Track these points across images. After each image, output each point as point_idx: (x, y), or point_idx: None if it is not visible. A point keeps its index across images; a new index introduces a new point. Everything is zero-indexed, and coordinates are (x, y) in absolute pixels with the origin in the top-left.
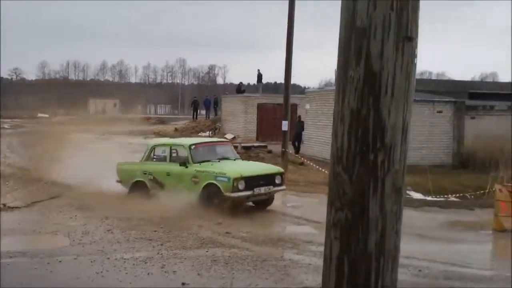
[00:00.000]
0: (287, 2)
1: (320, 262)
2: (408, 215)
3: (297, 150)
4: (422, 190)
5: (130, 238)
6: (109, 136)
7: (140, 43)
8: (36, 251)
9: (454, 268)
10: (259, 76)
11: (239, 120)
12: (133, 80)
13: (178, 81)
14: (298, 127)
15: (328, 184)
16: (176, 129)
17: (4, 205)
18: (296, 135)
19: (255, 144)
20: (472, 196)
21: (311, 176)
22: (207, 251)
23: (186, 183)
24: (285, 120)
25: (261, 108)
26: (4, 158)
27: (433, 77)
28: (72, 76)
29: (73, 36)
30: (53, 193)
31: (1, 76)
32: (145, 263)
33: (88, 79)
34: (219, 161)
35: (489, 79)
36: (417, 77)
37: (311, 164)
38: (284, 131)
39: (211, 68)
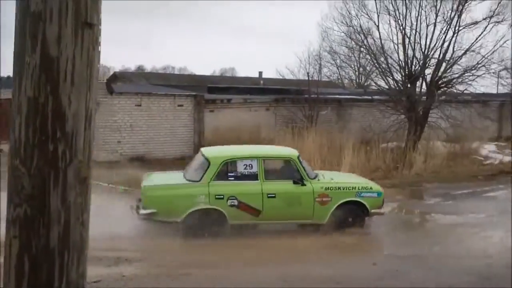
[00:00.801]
0: None
1: None
2: None
3: None
4: None
5: None
6: None
7: None
8: None
9: None
10: None
11: None
12: None
13: None
14: None
15: (7, 180)
16: None
17: None
18: None
19: None
20: None
21: None
22: None
23: (305, 205)
24: None
25: None
26: None
27: (176, 72)
28: None
29: None
30: None
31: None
32: None
33: None
34: (323, 175)
35: (228, 74)
36: (160, 71)
37: None
38: None
39: None
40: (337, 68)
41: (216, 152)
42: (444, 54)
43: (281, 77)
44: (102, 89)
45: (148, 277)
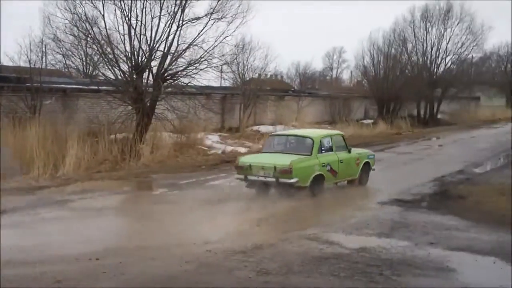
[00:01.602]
0: None
1: None
2: None
3: None
4: None
5: None
6: None
7: None
8: None
9: None
10: None
11: None
12: None
13: None
14: None
15: None
16: None
17: None
18: None
19: None
20: None
21: None
22: None
23: (352, 166)
24: None
25: None
26: None
27: None
28: None
29: None
30: None
31: None
32: None
33: None
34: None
35: None
36: None
37: None
38: None
39: None
40: (63, 56)
41: (312, 133)
42: (169, 47)
43: None
44: None
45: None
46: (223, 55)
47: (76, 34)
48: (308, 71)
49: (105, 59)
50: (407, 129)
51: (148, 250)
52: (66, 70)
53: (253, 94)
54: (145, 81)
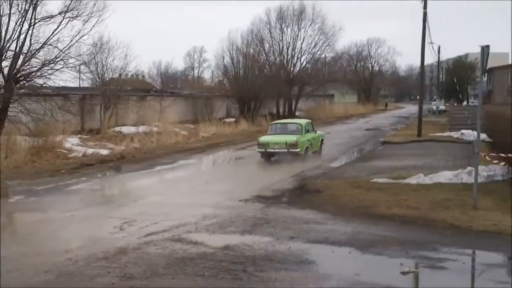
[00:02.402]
0: None
1: None
2: None
3: None
4: None
5: None
6: None
7: None
8: None
9: None
10: None
11: None
12: None
13: None
14: None
15: None
16: None
17: None
18: None
19: None
20: None
21: None
22: None
23: (317, 141)
24: None
25: None
26: None
27: None
28: None
29: None
30: None
31: None
32: None
33: None
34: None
35: None
36: None
37: None
38: None
39: None
40: None
41: (299, 121)
42: (21, 47)
43: None
44: None
45: None
46: (80, 55)
47: None
48: (169, 71)
49: None
50: (268, 126)
51: (3, 262)
52: None
53: (114, 95)
54: None
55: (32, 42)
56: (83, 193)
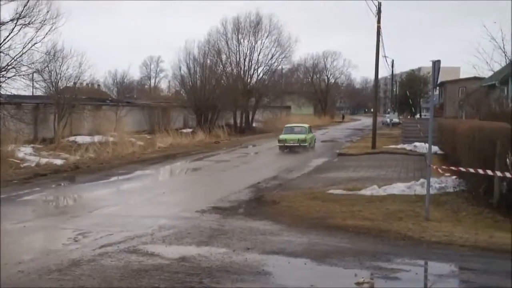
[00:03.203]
0: None
1: None
2: None
3: None
4: None
5: None
6: None
7: None
8: None
9: None
10: None
11: None
12: None
13: None
14: None
15: None
16: None
17: None
18: None
19: None
20: None
21: None
22: None
23: (313, 140)
24: None
25: None
26: None
27: None
28: None
29: None
30: None
31: None
32: None
33: None
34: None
35: None
36: None
37: None
38: None
39: None
40: None
41: (304, 124)
42: None
43: None
44: None
45: None
46: (33, 63)
47: None
48: (125, 80)
49: None
50: (225, 137)
51: None
52: None
53: (68, 104)
54: None
55: None
56: (36, 204)
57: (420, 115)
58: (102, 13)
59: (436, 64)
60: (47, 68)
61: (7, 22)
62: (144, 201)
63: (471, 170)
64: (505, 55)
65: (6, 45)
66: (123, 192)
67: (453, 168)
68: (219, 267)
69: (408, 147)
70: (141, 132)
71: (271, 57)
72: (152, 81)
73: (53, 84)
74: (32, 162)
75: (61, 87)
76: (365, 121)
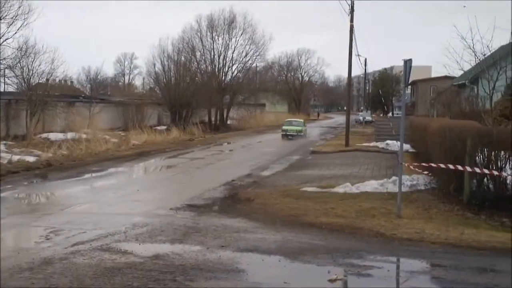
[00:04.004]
0: None
1: None
2: None
3: None
4: None
5: None
6: None
7: None
8: None
9: None
10: None
11: None
12: None
13: None
14: None
15: None
16: None
17: None
18: None
19: None
20: None
21: None
22: None
23: (305, 130)
24: None
25: None
26: None
27: None
28: None
29: None
30: None
31: None
32: None
33: None
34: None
35: None
36: None
37: None
38: None
39: None
40: None
41: (300, 119)
42: None
43: None
44: None
45: None
46: (4, 59)
47: None
48: (99, 77)
49: None
50: (199, 135)
51: None
52: None
53: (41, 100)
54: None
55: None
56: (7, 202)
57: (393, 114)
58: (75, 9)
59: (407, 63)
60: (19, 64)
61: None
62: (118, 199)
63: (442, 165)
64: (475, 54)
65: None
66: (96, 190)
67: (424, 164)
68: (193, 265)
69: (380, 145)
70: (115, 129)
71: (246, 55)
72: (126, 78)
73: (25, 80)
74: (4, 159)
75: (34, 84)
76: (339, 119)
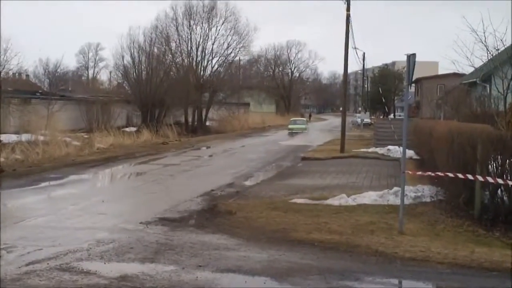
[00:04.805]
0: None
1: None
2: None
3: None
4: None
5: None
6: None
7: None
8: None
9: None
10: None
11: None
12: None
13: None
14: None
15: None
16: None
17: None
18: None
19: None
20: None
21: None
22: None
23: (308, 129)
24: None
25: None
26: None
27: None
28: None
29: None
30: None
31: None
32: None
33: None
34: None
35: None
36: None
37: None
38: None
39: None
40: None
41: (303, 119)
42: None
43: None
44: None
45: None
46: None
47: None
48: (59, 70)
49: None
50: (174, 138)
51: None
52: None
53: None
54: None
55: None
56: None
57: (394, 115)
58: None
59: (411, 58)
60: None
61: None
62: (80, 211)
63: (450, 174)
64: (487, 49)
65: None
66: (55, 200)
67: (430, 173)
68: (166, 286)
69: (380, 150)
70: (77, 130)
71: (227, 47)
72: (90, 71)
73: None
74: None
75: None
76: (333, 121)
